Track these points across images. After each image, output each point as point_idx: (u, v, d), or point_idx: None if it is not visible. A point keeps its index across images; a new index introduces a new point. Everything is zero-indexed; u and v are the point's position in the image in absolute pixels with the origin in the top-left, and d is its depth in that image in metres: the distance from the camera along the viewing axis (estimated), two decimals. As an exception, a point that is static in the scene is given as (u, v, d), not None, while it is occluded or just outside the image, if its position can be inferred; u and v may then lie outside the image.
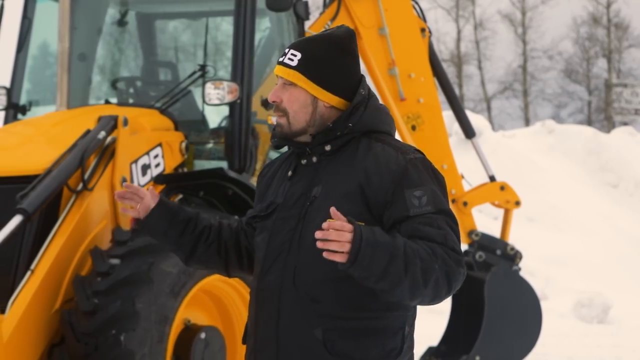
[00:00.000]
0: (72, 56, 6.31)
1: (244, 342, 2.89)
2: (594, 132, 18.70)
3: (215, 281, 5.45)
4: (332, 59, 2.79)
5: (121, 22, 6.75)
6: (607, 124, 35.12)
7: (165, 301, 5.03)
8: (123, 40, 6.88)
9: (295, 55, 2.78)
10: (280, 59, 2.81)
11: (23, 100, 6.53)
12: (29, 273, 4.97)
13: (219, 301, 5.68)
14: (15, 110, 6.46)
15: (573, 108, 38.64)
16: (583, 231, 15.27)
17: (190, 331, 5.39)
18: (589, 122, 35.28)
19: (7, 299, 4.84)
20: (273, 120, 6.52)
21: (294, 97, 2.79)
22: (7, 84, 6.48)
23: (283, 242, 2.74)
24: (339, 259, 2.50)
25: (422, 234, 2.62)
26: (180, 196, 5.96)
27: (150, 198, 2.87)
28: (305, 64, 2.78)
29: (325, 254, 2.51)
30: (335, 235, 2.49)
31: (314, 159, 2.80)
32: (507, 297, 7.40)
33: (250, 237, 2.92)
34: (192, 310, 5.47)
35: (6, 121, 6.45)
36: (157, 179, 5.83)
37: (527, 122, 36.38)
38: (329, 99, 2.79)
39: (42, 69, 6.95)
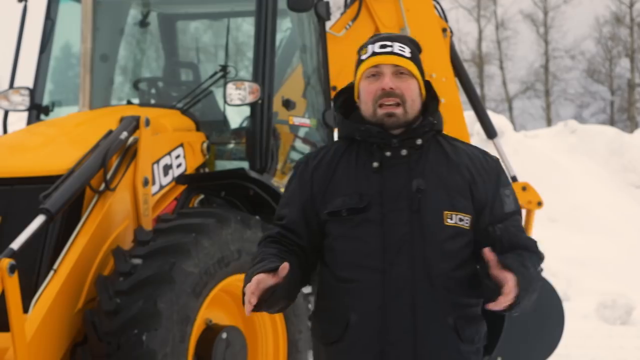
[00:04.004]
0: (94, 57, 6.34)
1: (330, 337, 2.86)
2: (617, 132, 18.59)
3: (236, 281, 5.46)
4: (420, 58, 2.94)
5: (143, 23, 6.77)
6: (630, 124, 34.92)
7: (187, 301, 5.05)
8: (145, 41, 6.90)
9: (404, 48, 2.89)
10: (386, 49, 2.87)
11: (46, 100, 6.56)
12: (52, 273, 4.99)
13: (240, 301, 5.67)
14: (38, 110, 6.49)
15: (595, 108, 38.45)
16: (606, 232, 15.18)
17: (211, 331, 5.40)
18: (612, 122, 35.06)
19: (30, 299, 4.86)
20: (294, 120, 6.53)
21: (412, 86, 2.89)
22: (30, 84, 6.52)
23: (403, 234, 2.80)
24: (502, 309, 2.75)
25: (521, 241, 2.89)
26: (202, 196, 5.97)
27: (266, 279, 2.75)
28: (414, 57, 2.91)
29: (490, 306, 2.75)
30: (512, 295, 2.73)
31: (404, 152, 2.86)
32: (529, 298, 7.36)
33: (304, 247, 2.90)
34: (213, 310, 5.48)
35: (29, 122, 6.49)
36: (179, 180, 5.84)
37: (549, 122, 36.22)
38: (424, 94, 2.93)
39: (65, 69, 6.98)
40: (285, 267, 2.73)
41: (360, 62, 2.92)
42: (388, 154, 2.85)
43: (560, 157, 17.04)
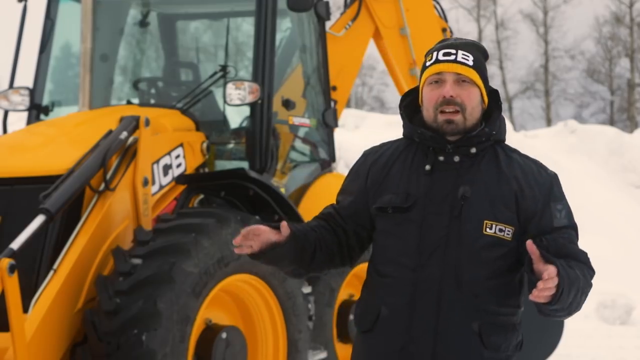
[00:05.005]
0: (94, 57, 6.34)
1: (363, 326, 2.97)
2: (617, 132, 18.59)
3: (236, 281, 5.46)
4: (485, 66, 2.98)
5: (143, 23, 6.78)
6: (630, 124, 34.94)
7: (187, 301, 5.05)
8: (145, 40, 6.90)
9: (468, 56, 2.93)
10: (449, 57, 2.91)
11: (46, 100, 6.56)
12: (51, 273, 4.99)
13: (240, 301, 5.69)
14: (38, 110, 6.50)
15: (595, 108, 38.50)
16: (606, 232, 15.18)
17: (211, 331, 5.40)
18: (612, 122, 35.09)
19: (30, 299, 4.86)
20: (294, 120, 6.53)
21: (473, 94, 2.94)
22: (30, 84, 6.52)
23: (439, 238, 2.87)
24: (544, 300, 2.71)
25: (568, 251, 2.89)
26: (202, 196, 5.97)
27: (269, 233, 2.87)
28: (477, 65, 2.95)
29: (532, 296, 2.69)
30: (552, 282, 2.69)
31: (456, 158, 2.92)
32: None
33: (347, 231, 3.00)
34: (213, 310, 5.48)
35: (29, 122, 6.49)
36: (179, 179, 5.85)
37: (548, 122, 36.24)
38: (486, 102, 2.97)
39: (65, 69, 6.99)
40: (284, 225, 2.86)
41: (424, 67, 2.98)
42: (441, 158, 2.92)
43: (560, 157, 17.04)
